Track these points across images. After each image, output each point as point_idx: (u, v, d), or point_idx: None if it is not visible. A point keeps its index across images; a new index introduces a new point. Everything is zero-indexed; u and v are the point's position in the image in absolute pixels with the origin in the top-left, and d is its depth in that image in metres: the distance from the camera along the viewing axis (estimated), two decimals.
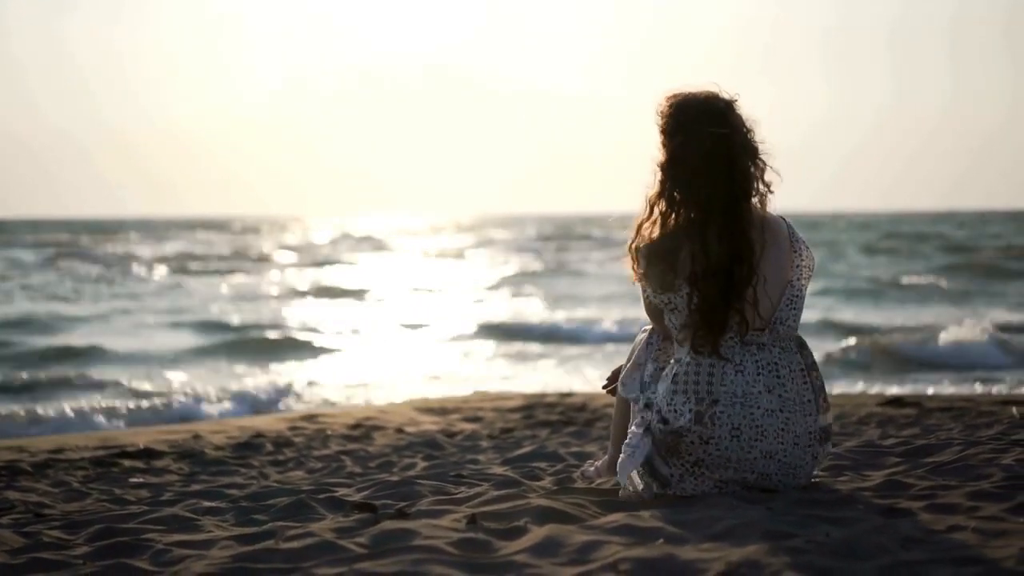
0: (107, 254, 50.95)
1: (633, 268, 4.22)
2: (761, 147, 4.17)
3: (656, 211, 4.17)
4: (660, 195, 4.17)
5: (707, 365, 4.11)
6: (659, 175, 4.18)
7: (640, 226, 4.20)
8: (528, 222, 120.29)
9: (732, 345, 4.13)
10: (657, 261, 4.14)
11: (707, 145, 4.11)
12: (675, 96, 4.21)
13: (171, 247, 58.97)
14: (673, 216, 4.14)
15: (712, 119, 4.13)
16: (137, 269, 41.48)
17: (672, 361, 4.22)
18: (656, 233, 4.15)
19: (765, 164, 4.17)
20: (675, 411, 4.11)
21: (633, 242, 4.20)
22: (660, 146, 4.20)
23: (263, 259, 49.70)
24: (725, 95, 4.18)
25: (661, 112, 4.20)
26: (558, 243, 63.17)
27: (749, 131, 4.17)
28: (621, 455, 4.24)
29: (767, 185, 4.17)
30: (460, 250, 57.79)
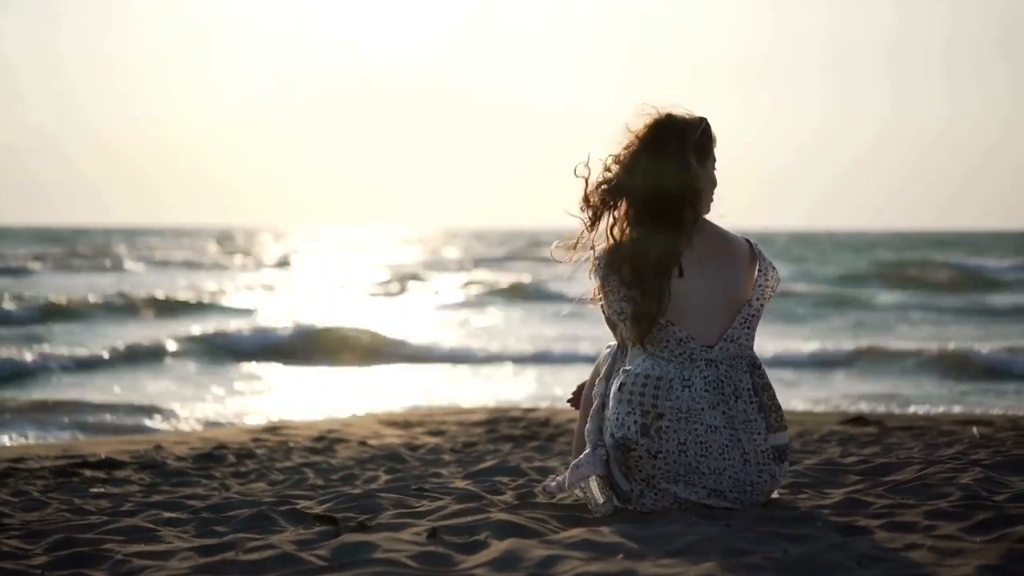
0: None
1: (594, 276, 4.25)
2: (716, 174, 4.25)
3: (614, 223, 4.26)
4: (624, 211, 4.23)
5: (654, 379, 4.14)
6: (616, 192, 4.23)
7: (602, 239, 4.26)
8: (502, 236, 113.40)
9: (682, 361, 4.16)
10: (617, 265, 4.19)
11: (674, 166, 4.16)
12: (659, 115, 4.23)
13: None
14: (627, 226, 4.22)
15: (685, 142, 4.19)
16: None
17: (620, 371, 4.25)
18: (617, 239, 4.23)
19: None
20: (620, 421, 4.14)
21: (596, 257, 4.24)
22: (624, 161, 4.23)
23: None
24: (693, 117, 4.22)
25: (640, 129, 4.22)
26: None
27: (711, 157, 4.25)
28: (570, 466, 4.28)
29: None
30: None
